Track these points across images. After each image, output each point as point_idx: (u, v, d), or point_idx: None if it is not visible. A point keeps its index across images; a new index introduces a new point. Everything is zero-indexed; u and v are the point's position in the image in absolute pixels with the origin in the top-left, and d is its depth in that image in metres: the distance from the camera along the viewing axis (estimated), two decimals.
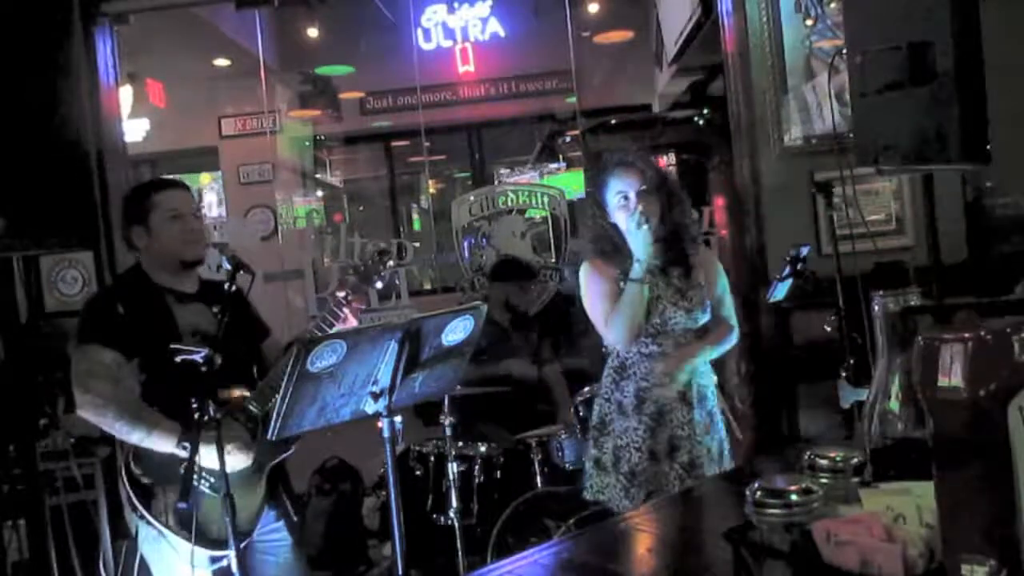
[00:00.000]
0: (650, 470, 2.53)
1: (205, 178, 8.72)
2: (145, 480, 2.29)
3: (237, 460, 2.25)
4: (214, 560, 2.26)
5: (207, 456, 2.16)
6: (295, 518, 2.52)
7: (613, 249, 2.60)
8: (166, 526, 2.25)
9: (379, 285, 2.49)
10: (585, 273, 2.65)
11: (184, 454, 2.21)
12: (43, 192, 2.52)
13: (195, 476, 2.25)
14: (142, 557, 2.37)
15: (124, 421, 2.25)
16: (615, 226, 2.59)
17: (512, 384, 3.87)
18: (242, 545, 2.28)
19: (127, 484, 2.29)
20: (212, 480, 2.26)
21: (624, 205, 2.53)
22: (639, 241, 2.50)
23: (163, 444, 2.24)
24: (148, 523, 2.27)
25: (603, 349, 3.57)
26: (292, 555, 2.50)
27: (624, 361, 2.61)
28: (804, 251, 3.23)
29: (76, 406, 2.31)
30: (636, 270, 2.51)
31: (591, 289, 2.63)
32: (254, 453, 2.30)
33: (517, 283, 4.28)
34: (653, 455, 2.54)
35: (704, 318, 2.64)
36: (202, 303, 2.44)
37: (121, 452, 2.35)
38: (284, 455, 2.43)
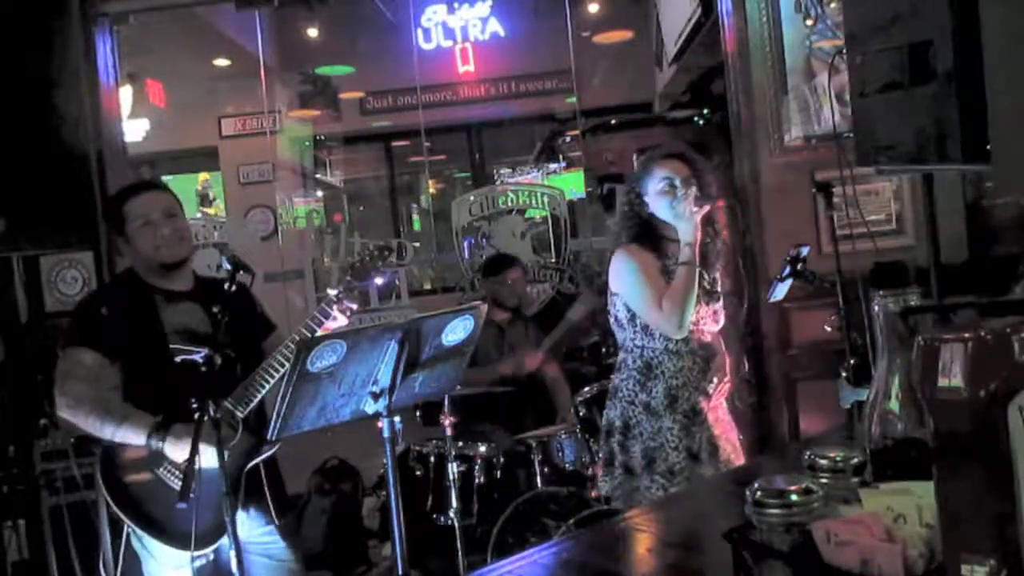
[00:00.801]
0: (690, 468, 2.48)
1: (202, 177, 8.72)
2: (116, 478, 2.29)
3: (209, 460, 2.18)
4: (193, 559, 2.26)
5: (181, 455, 2.14)
6: (278, 522, 2.48)
7: (652, 237, 2.58)
8: (139, 526, 2.27)
9: (378, 281, 2.46)
10: (625, 260, 2.56)
11: (155, 446, 2.21)
12: (43, 192, 2.53)
13: (170, 475, 2.27)
14: (135, 554, 2.38)
15: (95, 417, 2.26)
16: (651, 215, 2.57)
17: (512, 384, 3.87)
18: (213, 547, 2.28)
19: (103, 485, 2.30)
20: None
21: (669, 191, 2.51)
22: (689, 224, 2.46)
23: (133, 438, 2.24)
24: (126, 523, 2.29)
25: (604, 350, 3.56)
26: (285, 557, 2.49)
27: (649, 361, 2.54)
28: (804, 251, 3.23)
29: (56, 407, 2.33)
30: (686, 253, 2.46)
31: (635, 275, 2.53)
32: (230, 452, 2.29)
33: (501, 278, 4.27)
34: (691, 454, 2.50)
35: (722, 318, 2.66)
36: (196, 302, 2.43)
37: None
38: (262, 457, 2.40)
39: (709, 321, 2.59)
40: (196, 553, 2.23)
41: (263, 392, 2.28)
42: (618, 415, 2.58)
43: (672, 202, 2.50)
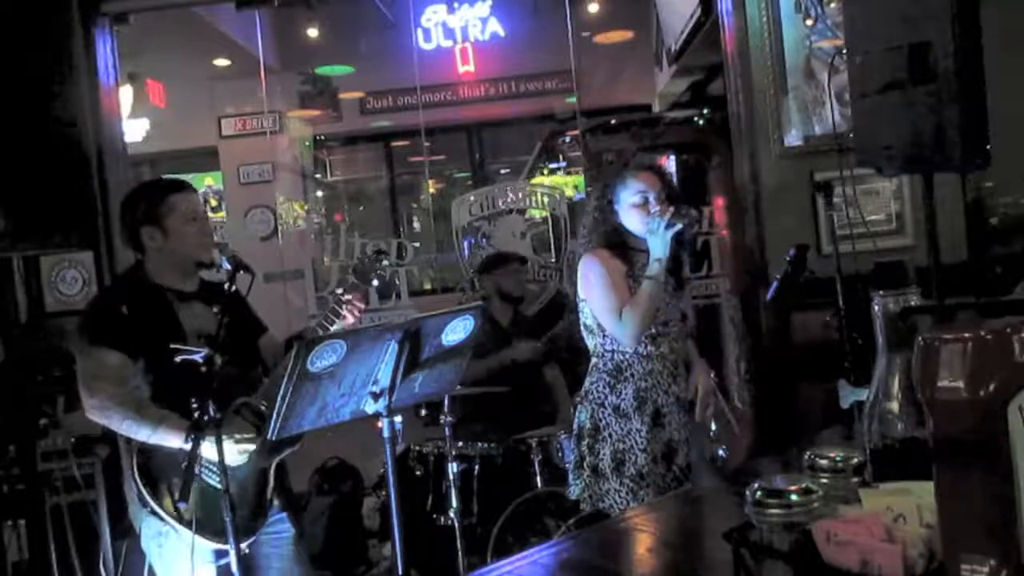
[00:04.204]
0: (655, 472, 2.52)
1: (207, 181, 8.71)
2: (154, 474, 2.29)
3: (235, 457, 2.26)
4: (219, 556, 2.26)
5: (214, 451, 2.16)
6: (288, 513, 2.52)
7: (620, 244, 2.61)
8: (176, 520, 2.26)
9: (376, 283, 2.49)
10: (591, 264, 2.59)
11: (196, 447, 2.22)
12: (43, 192, 2.53)
13: (204, 470, 2.27)
14: (141, 553, 2.38)
15: (130, 420, 2.26)
16: (620, 224, 2.61)
17: (512, 383, 3.87)
18: (253, 540, 2.31)
19: (136, 478, 2.29)
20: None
21: (642, 204, 2.55)
22: (661, 241, 2.49)
23: (171, 439, 2.24)
24: (159, 517, 2.27)
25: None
26: (294, 547, 2.51)
27: (619, 364, 2.59)
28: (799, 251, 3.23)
29: (84, 409, 2.33)
30: (654, 267, 2.49)
31: (599, 280, 2.56)
32: (256, 449, 2.31)
33: (504, 270, 4.27)
34: (654, 457, 2.54)
35: (691, 324, 2.70)
36: (202, 303, 2.44)
37: (129, 448, 2.35)
38: (291, 450, 2.43)
39: (677, 323, 2.64)
40: (226, 547, 2.24)
41: None
42: (588, 417, 2.62)
43: (644, 216, 2.53)
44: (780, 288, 3.17)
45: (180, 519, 2.25)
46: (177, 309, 2.40)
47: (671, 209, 2.51)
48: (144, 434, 2.26)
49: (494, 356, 3.93)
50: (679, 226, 2.48)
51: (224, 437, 2.12)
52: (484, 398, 3.59)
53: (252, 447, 2.30)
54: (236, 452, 2.25)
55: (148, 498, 2.27)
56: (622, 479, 2.52)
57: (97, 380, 2.29)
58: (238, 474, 2.26)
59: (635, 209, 2.56)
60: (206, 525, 2.23)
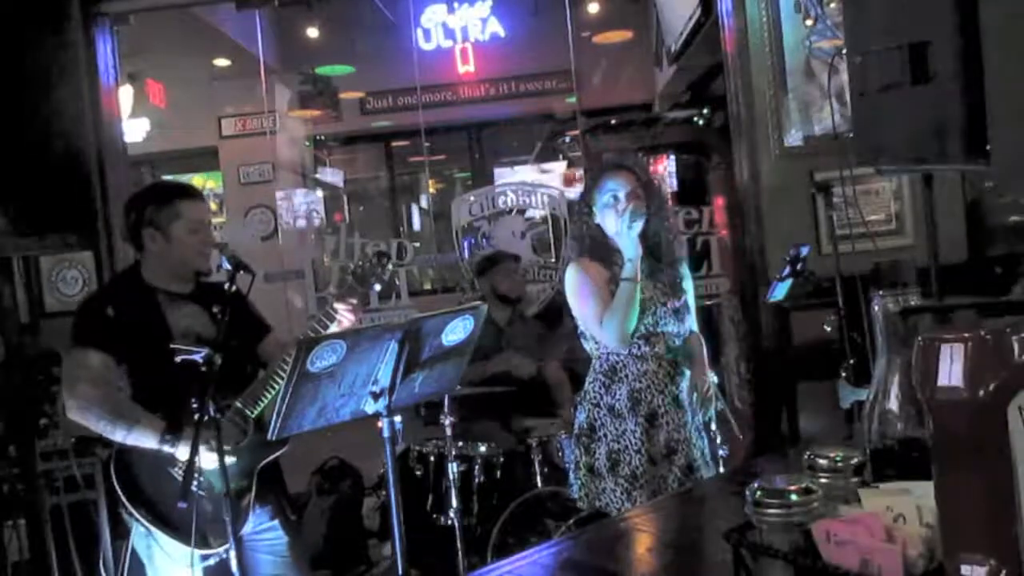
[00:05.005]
0: (650, 472, 2.52)
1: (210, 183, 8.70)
2: (129, 477, 2.29)
3: (212, 460, 2.21)
4: (202, 558, 2.26)
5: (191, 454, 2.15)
6: (292, 517, 2.51)
7: (602, 250, 2.62)
8: (153, 524, 2.26)
9: (378, 287, 2.48)
10: (574, 273, 2.62)
11: (168, 449, 2.23)
12: (43, 192, 2.53)
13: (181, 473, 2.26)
14: (135, 553, 2.38)
15: (106, 420, 2.27)
16: (600, 228, 2.61)
17: (512, 383, 3.86)
18: (228, 546, 2.27)
19: (116, 483, 2.30)
20: (201, 479, 2.26)
21: (613, 205, 2.55)
22: (629, 240, 2.50)
23: (146, 440, 2.25)
24: (137, 521, 2.29)
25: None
26: (290, 553, 2.50)
27: (614, 364, 2.59)
28: (804, 251, 3.23)
29: (66, 409, 2.33)
30: (628, 269, 2.50)
31: (581, 289, 2.59)
32: (244, 448, 2.31)
33: (498, 270, 4.28)
34: (651, 458, 2.53)
35: (690, 321, 2.68)
36: (197, 304, 2.44)
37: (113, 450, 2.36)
38: (275, 455, 2.42)
39: (671, 321, 2.61)
40: (208, 552, 2.24)
41: (273, 392, 2.29)
42: (585, 417, 2.63)
43: (617, 216, 2.53)
44: (792, 288, 3.16)
45: (154, 523, 2.26)
46: (166, 310, 2.40)
47: (630, 206, 2.51)
48: (119, 435, 2.26)
49: (484, 364, 3.90)
50: (639, 221, 2.49)
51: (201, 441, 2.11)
52: (485, 398, 3.59)
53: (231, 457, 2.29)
54: (209, 455, 2.21)
55: (124, 501, 2.28)
56: (616, 479, 2.53)
57: (78, 380, 2.30)
58: (211, 477, 2.24)
59: (608, 210, 2.57)
60: (181, 529, 2.23)
